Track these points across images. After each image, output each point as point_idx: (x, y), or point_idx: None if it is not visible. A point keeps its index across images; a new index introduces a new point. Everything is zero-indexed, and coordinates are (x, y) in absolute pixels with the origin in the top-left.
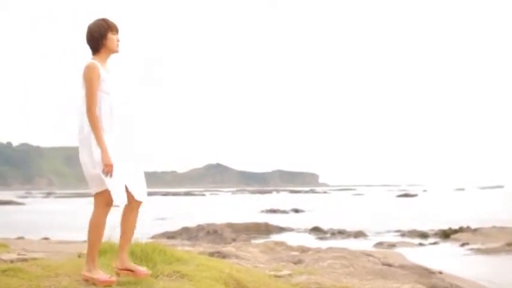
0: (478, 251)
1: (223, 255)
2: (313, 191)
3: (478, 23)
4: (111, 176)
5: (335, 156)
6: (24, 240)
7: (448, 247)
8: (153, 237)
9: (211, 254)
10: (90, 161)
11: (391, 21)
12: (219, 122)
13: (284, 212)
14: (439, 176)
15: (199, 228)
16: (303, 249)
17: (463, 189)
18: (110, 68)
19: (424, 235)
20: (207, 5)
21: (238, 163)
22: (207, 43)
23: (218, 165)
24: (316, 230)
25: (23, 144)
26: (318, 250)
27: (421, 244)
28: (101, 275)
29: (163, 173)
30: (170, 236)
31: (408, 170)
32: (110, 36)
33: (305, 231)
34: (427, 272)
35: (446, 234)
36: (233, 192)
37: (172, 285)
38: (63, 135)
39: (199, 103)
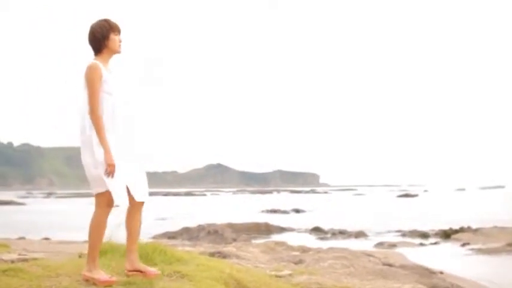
0: (479, 251)
1: (223, 255)
2: (313, 191)
3: (478, 23)
4: (113, 176)
5: (336, 157)
6: (25, 240)
7: (448, 247)
8: (153, 238)
9: (212, 254)
10: (92, 161)
11: (391, 21)
12: (219, 122)
13: (285, 212)
14: (440, 176)
15: (200, 228)
16: (304, 250)
17: (463, 190)
18: (112, 69)
19: (424, 235)
20: (207, 5)
21: (239, 163)
22: (207, 43)
23: (219, 166)
24: (316, 230)
25: (23, 145)
26: (319, 250)
27: (421, 244)
28: (101, 275)
29: (164, 173)
30: (171, 236)
31: (409, 170)
32: (112, 37)
33: (306, 231)
34: (428, 272)
35: (447, 234)
36: (234, 193)
37: (173, 285)
38: (63, 135)
39: (200, 103)
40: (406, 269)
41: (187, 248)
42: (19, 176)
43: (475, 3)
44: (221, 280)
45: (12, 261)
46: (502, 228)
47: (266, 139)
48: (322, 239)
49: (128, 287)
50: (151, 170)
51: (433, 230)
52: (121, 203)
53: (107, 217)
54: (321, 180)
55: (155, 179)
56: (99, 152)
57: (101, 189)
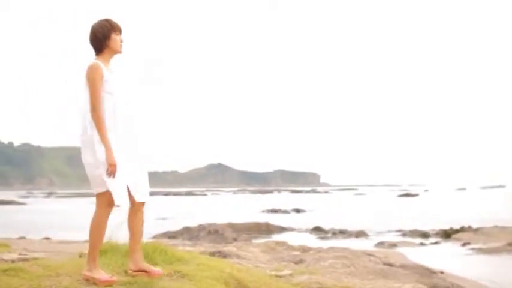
0: (480, 250)
1: (224, 255)
2: (314, 191)
3: (478, 23)
4: (114, 176)
5: (336, 156)
6: (26, 240)
7: (449, 247)
8: (154, 237)
9: (212, 254)
10: (93, 161)
11: (391, 22)
12: (220, 122)
13: (285, 211)
14: (441, 175)
15: (201, 228)
16: (304, 249)
17: (464, 189)
18: (113, 69)
19: (425, 235)
20: (207, 5)
21: (240, 163)
22: (207, 43)
23: (219, 165)
24: (317, 229)
25: (24, 144)
26: (319, 250)
27: (422, 244)
28: (101, 274)
29: (164, 173)
30: (171, 235)
31: (409, 169)
32: (113, 36)
33: (306, 231)
34: (429, 272)
35: (447, 234)
36: (234, 192)
37: (173, 285)
38: (64, 135)
39: (200, 103)
40: (407, 269)
41: (188, 248)
42: (20, 176)
43: (475, 3)
44: (221, 280)
45: (13, 261)
46: (503, 228)
47: (267, 139)
48: (322, 238)
49: (128, 287)
50: (152, 169)
51: (433, 230)
52: (121, 203)
53: (107, 217)
54: (322, 180)
55: (156, 178)
56: (101, 152)
57: (102, 189)
